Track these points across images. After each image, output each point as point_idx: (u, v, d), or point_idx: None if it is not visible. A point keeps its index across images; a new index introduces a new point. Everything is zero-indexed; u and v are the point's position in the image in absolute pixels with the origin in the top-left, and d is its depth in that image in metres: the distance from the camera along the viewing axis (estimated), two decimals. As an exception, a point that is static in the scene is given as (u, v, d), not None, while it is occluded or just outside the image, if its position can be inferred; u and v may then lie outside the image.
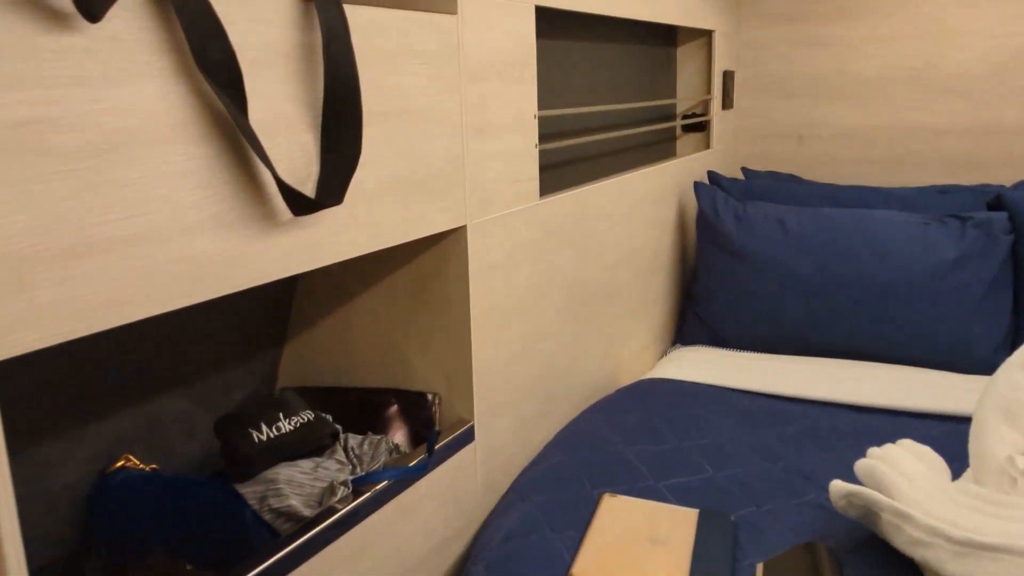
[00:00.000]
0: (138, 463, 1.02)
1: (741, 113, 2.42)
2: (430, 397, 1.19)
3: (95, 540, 0.97)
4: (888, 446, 1.10)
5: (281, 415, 1.00)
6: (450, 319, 1.17)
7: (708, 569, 1.02)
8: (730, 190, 2.07)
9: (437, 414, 1.19)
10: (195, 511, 0.94)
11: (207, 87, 0.71)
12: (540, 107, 1.48)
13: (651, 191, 1.82)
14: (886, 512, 0.99)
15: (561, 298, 1.43)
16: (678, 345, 1.97)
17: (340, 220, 0.89)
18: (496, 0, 1.16)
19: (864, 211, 1.83)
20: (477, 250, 1.16)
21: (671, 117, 2.21)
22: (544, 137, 1.51)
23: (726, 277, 1.88)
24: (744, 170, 2.28)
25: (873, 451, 1.10)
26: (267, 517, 0.92)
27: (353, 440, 1.08)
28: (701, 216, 1.95)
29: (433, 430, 1.16)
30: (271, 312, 1.23)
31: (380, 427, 1.18)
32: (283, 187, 0.77)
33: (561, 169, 1.61)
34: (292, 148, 0.81)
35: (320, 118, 0.84)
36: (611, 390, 1.67)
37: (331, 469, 0.99)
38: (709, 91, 2.20)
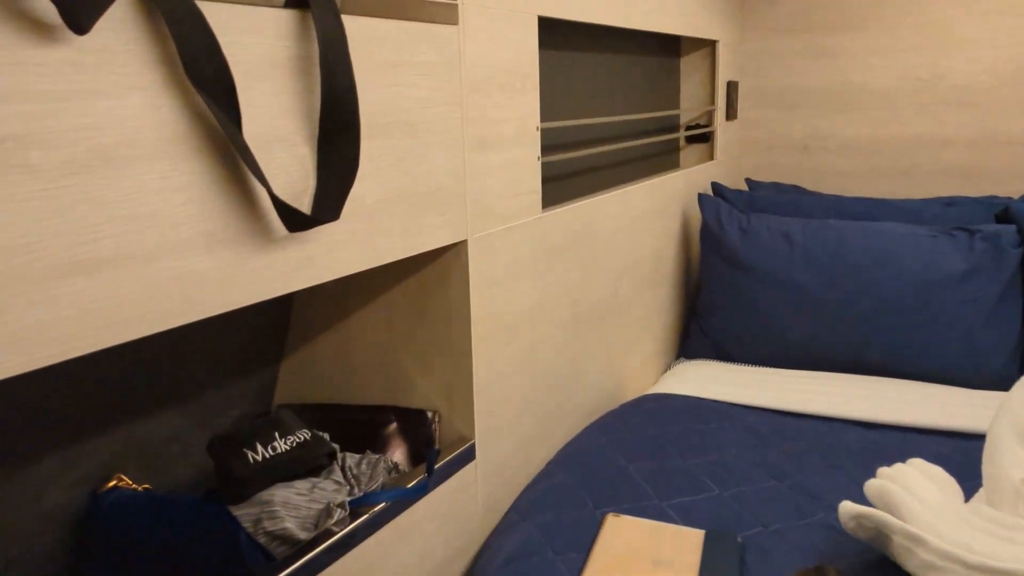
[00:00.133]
0: (131, 483, 0.99)
1: (745, 124, 2.40)
2: (430, 415, 1.17)
3: (87, 561, 0.95)
4: (899, 466, 1.07)
5: (277, 434, 0.98)
6: (450, 335, 1.14)
7: (715, 593, 0.99)
8: (734, 202, 2.05)
9: (437, 432, 1.17)
10: (188, 534, 0.92)
11: (199, 100, 0.69)
12: (542, 118, 1.46)
13: (654, 203, 1.79)
14: (898, 535, 0.96)
15: (563, 312, 1.40)
16: (682, 359, 1.94)
17: (338, 236, 0.86)
18: (498, 11, 1.14)
19: (871, 223, 1.81)
20: (478, 265, 1.14)
21: (674, 128, 2.19)
22: (546, 149, 1.49)
23: (730, 290, 1.86)
24: (748, 181, 2.25)
25: (883, 471, 1.07)
26: (262, 540, 0.90)
27: (351, 459, 1.06)
28: (705, 228, 1.92)
29: (433, 448, 1.14)
30: (268, 327, 1.21)
31: (379, 445, 1.16)
32: (278, 203, 0.74)
33: (563, 181, 1.58)
34: (288, 162, 0.79)
35: (317, 131, 0.82)
36: (614, 405, 1.65)
37: (328, 490, 0.97)
38: (713, 102, 2.18)
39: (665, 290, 1.91)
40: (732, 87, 2.28)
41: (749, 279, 1.83)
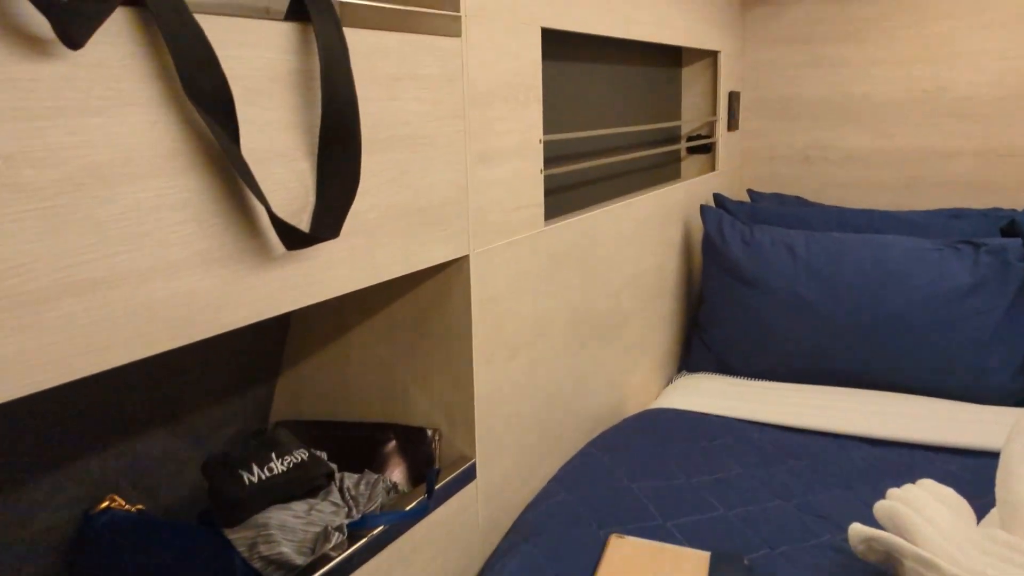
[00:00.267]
0: (124, 503, 0.97)
1: (747, 135, 2.38)
2: (430, 433, 1.14)
3: (78, 584, 0.93)
4: (908, 487, 1.05)
5: (273, 455, 0.96)
6: (451, 351, 1.12)
7: (722, 618, 0.97)
8: (736, 213, 2.03)
9: (437, 451, 1.14)
10: (182, 557, 0.89)
11: (196, 115, 0.67)
12: (544, 130, 1.44)
13: (656, 214, 1.78)
14: (909, 559, 0.94)
15: (565, 326, 1.38)
16: (684, 372, 1.92)
17: (337, 253, 0.84)
18: (501, 23, 1.12)
19: (875, 236, 1.79)
20: (480, 280, 1.12)
21: (676, 139, 2.17)
22: (547, 161, 1.47)
23: (733, 303, 1.84)
24: (750, 192, 2.24)
25: (893, 492, 1.05)
26: (257, 565, 0.88)
27: (349, 480, 1.03)
28: (707, 240, 1.90)
29: (433, 468, 1.12)
30: (265, 344, 1.19)
31: (378, 464, 1.13)
32: (276, 221, 0.72)
33: (564, 193, 1.57)
34: (287, 178, 0.77)
35: (317, 146, 0.80)
36: (616, 420, 1.63)
37: (326, 512, 0.94)
38: (714, 112, 2.16)
39: (666, 302, 1.89)
40: (734, 98, 2.26)
41: (751, 291, 1.81)
